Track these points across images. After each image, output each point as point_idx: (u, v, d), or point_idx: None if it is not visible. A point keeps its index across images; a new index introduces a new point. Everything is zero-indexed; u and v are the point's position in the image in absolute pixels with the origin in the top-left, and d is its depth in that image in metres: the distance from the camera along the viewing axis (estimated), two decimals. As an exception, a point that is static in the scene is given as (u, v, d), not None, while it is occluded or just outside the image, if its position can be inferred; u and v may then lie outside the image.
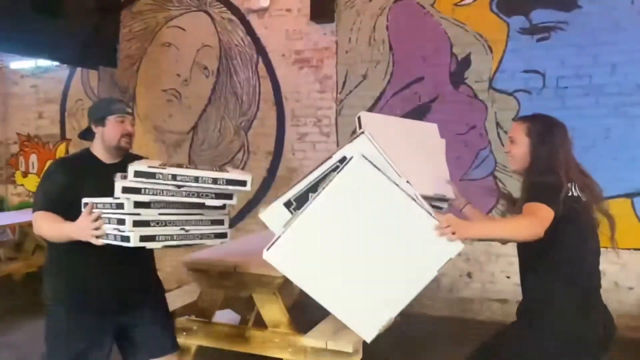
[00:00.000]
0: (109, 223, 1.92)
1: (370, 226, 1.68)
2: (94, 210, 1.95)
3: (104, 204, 1.94)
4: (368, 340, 1.69)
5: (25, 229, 6.00)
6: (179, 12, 5.59)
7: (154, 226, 1.91)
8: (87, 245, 1.99)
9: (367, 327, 1.70)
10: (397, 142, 2.30)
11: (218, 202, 1.99)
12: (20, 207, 6.52)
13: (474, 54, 4.44)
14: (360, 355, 2.79)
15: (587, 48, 4.10)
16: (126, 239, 1.86)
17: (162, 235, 1.93)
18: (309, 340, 2.83)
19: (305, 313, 4.14)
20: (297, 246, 1.66)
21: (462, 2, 4.47)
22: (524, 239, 1.77)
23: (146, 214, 1.90)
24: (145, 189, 1.87)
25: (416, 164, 2.24)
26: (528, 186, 1.87)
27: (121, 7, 5.82)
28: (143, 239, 1.88)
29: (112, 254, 2.07)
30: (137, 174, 1.86)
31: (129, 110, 2.27)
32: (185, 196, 1.93)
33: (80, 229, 1.96)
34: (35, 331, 4.15)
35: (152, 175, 1.86)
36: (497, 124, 4.36)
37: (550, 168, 1.90)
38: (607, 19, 4.04)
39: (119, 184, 1.87)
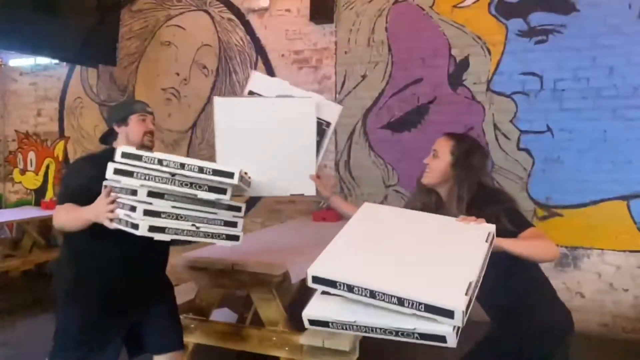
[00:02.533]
0: (122, 208, 1.92)
1: (406, 235, 1.66)
2: (112, 194, 1.96)
3: (120, 188, 1.94)
4: (462, 308, 1.32)
5: (23, 226, 6.01)
6: (179, 11, 5.60)
7: (164, 218, 1.90)
8: (107, 245, 2.06)
9: (453, 297, 1.36)
10: (256, 133, 2.16)
11: (210, 196, 1.96)
12: (18, 204, 6.52)
13: (473, 55, 4.46)
14: (357, 354, 2.79)
15: (585, 51, 4.12)
16: (135, 226, 1.86)
17: (171, 228, 1.92)
18: (306, 338, 2.83)
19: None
20: (342, 255, 1.57)
21: (461, 4, 4.49)
22: (550, 259, 1.82)
23: (158, 205, 1.89)
24: (136, 172, 1.87)
25: (272, 159, 2.15)
26: (509, 215, 1.87)
27: (121, 5, 5.82)
28: (152, 229, 1.87)
29: (132, 255, 2.14)
30: (124, 155, 1.87)
31: (150, 109, 2.34)
32: (178, 186, 1.91)
33: (96, 211, 1.96)
34: (32, 329, 4.16)
35: (138, 158, 1.87)
36: (495, 126, 4.38)
37: (493, 191, 2.03)
38: (604, 23, 4.06)
39: (110, 165, 1.88)
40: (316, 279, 1.49)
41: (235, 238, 2.11)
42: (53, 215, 2.12)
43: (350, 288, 1.43)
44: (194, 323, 3.13)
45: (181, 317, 3.13)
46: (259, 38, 5.25)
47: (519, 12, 4.30)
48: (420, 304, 1.33)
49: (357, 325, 1.42)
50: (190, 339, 3.10)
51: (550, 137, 4.23)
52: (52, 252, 5.84)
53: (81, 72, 6.13)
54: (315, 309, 1.49)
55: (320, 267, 1.51)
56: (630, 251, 4.03)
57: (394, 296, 1.36)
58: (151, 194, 1.87)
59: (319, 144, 2.19)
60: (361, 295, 1.41)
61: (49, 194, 6.33)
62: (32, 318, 4.43)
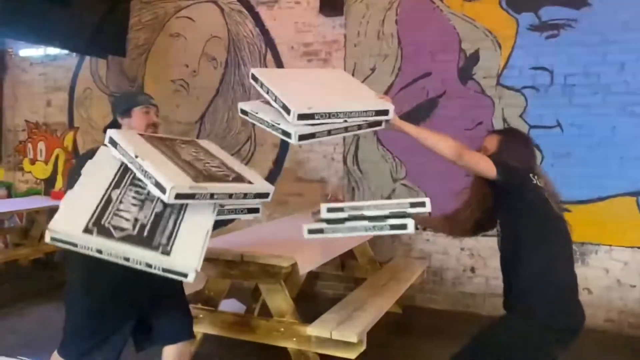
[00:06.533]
0: None
1: (330, 83, 2.25)
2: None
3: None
4: (297, 111, 1.84)
5: (33, 215, 6.06)
6: (188, 2, 5.60)
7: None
8: None
9: (298, 104, 1.87)
10: None
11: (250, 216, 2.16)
12: (28, 193, 6.58)
13: (483, 49, 4.45)
14: (364, 346, 2.81)
15: (596, 46, 4.10)
16: None
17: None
18: (314, 330, 2.86)
19: (310, 303, 4.19)
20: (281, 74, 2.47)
21: (472, -2, 4.47)
22: (449, 155, 2.13)
23: None
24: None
25: None
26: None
27: (131, -4, 5.84)
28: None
29: None
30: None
31: (153, 101, 2.37)
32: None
33: None
34: (40, 317, 4.21)
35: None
36: (504, 120, 4.37)
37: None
38: (616, 18, 4.03)
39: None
40: (253, 77, 2.07)
41: (255, 211, 2.12)
42: None
43: (267, 90, 2.00)
44: (202, 313, 3.16)
45: (190, 307, 3.18)
46: (269, 30, 5.24)
47: (530, 6, 4.28)
48: (283, 104, 1.88)
49: (266, 122, 1.98)
50: (198, 329, 3.14)
51: (559, 132, 4.22)
52: (61, 241, 5.88)
53: (91, 62, 6.16)
54: (249, 104, 2.09)
55: (259, 72, 2.09)
56: (638, 247, 4.03)
57: (277, 98, 1.92)
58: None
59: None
60: (266, 93, 1.99)
61: (58, 184, 6.37)
62: (41, 306, 4.48)
